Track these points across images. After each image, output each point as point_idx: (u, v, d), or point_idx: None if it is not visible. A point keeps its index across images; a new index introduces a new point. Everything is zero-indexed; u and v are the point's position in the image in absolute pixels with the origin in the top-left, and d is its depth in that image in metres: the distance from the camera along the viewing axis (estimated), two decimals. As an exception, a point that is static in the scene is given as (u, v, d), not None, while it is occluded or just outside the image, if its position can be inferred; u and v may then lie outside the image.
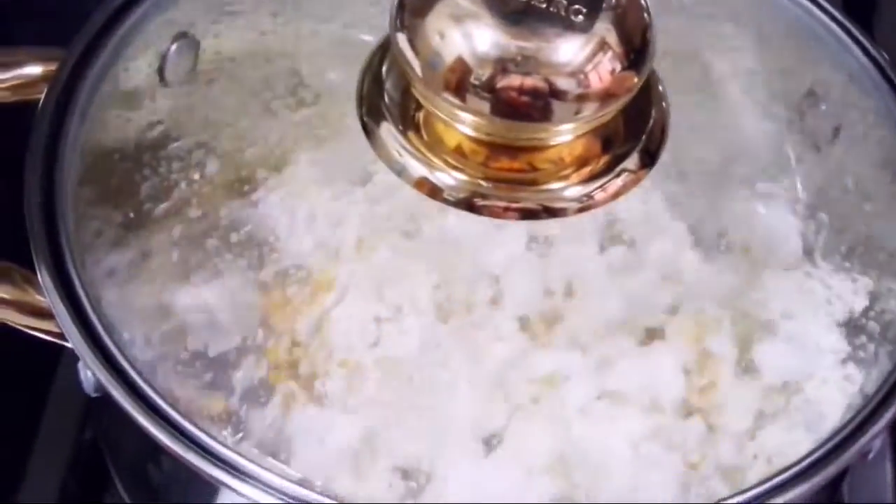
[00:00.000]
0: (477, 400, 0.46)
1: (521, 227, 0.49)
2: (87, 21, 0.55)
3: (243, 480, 0.44)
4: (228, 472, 0.44)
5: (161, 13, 0.56)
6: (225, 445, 0.45)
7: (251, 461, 0.45)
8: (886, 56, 0.57)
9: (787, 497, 0.46)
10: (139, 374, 0.46)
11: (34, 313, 0.51)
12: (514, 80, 0.46)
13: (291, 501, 0.44)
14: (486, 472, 0.46)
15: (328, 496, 0.44)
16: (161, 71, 0.54)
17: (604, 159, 0.51)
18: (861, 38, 0.58)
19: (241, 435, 0.46)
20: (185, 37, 0.55)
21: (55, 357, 0.65)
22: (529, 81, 0.46)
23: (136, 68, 0.55)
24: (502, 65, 0.46)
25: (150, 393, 0.46)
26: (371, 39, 0.53)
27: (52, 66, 0.54)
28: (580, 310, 0.48)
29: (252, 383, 0.47)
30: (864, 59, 0.57)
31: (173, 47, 0.55)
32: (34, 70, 0.55)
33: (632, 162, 0.51)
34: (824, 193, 0.53)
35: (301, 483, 0.44)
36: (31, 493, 0.62)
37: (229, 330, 0.48)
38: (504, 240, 0.49)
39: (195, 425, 0.45)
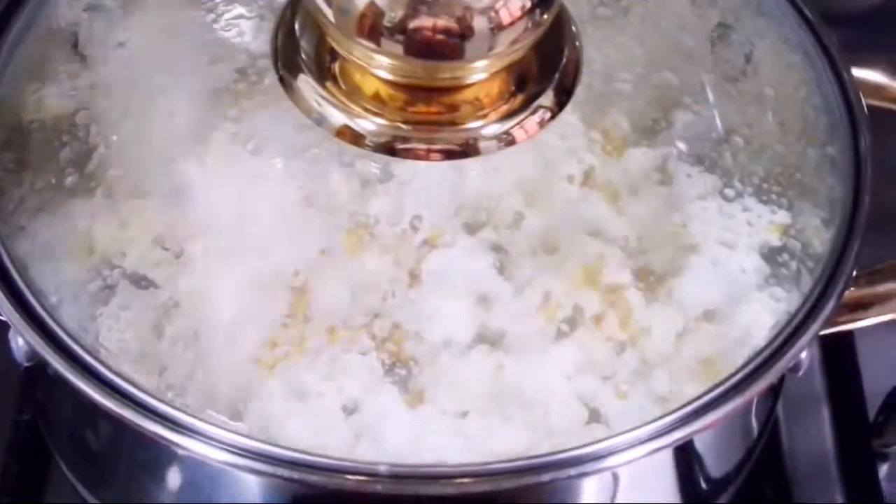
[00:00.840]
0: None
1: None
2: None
3: (183, 434, 0.44)
4: (168, 427, 0.45)
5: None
6: (162, 400, 0.45)
7: (189, 414, 0.45)
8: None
9: (723, 411, 0.47)
10: (70, 336, 0.46)
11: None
12: (427, 19, 0.47)
13: (236, 451, 0.44)
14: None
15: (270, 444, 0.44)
16: (76, 41, 0.54)
17: (520, 98, 0.51)
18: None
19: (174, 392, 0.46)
20: (97, 8, 0.55)
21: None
22: (441, 20, 0.47)
23: (50, 39, 0.55)
24: (414, 5, 0.46)
25: (83, 353, 0.46)
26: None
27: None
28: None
29: (178, 336, 0.47)
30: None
31: (85, 16, 0.55)
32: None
33: (547, 99, 0.52)
34: (739, 120, 0.54)
35: (240, 433, 0.45)
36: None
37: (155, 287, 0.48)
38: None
39: (131, 383, 0.45)
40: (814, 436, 0.68)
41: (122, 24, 0.55)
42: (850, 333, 0.69)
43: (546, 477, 0.44)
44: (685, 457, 0.55)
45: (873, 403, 0.68)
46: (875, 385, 0.69)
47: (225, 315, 0.47)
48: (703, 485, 0.57)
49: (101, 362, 0.45)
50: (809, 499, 0.67)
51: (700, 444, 0.55)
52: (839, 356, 0.69)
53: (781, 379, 0.59)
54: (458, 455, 0.45)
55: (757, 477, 0.63)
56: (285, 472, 0.44)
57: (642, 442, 0.46)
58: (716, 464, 0.58)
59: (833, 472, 0.67)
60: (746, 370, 0.48)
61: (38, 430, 0.60)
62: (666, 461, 0.53)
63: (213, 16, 0.54)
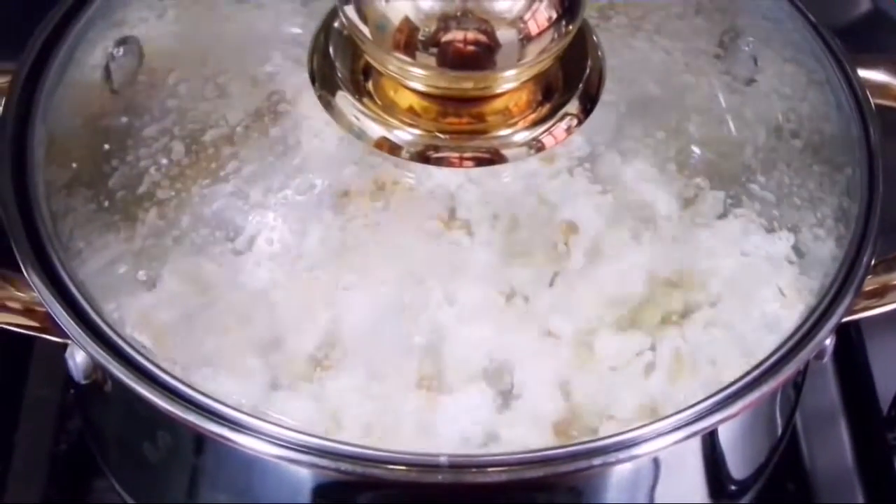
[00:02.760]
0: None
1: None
2: (33, 35, 0.57)
3: (247, 434, 0.46)
4: (231, 428, 0.46)
5: (103, 19, 0.58)
6: (227, 405, 0.47)
7: (252, 415, 0.47)
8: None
9: (756, 395, 0.49)
10: (135, 349, 0.48)
11: (14, 310, 0.53)
12: (458, 32, 0.49)
13: (298, 448, 0.46)
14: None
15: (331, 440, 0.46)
16: (108, 72, 0.57)
17: (547, 106, 0.54)
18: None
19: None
20: (127, 40, 0.58)
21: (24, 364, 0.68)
22: (472, 32, 0.49)
23: (87, 72, 0.57)
24: (446, 19, 0.49)
25: (149, 366, 0.48)
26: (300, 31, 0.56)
27: (5, 79, 0.56)
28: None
29: (245, 353, 0.49)
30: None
31: (118, 50, 0.57)
32: (-12, 85, 0.57)
33: (573, 107, 0.54)
34: (754, 119, 0.56)
35: (302, 431, 0.46)
36: (15, 494, 0.65)
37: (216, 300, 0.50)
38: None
39: (198, 392, 0.47)
40: (831, 436, 0.71)
41: (158, 54, 0.57)
42: (859, 330, 0.72)
43: (598, 461, 0.46)
44: (714, 453, 0.56)
45: (885, 398, 0.70)
46: (886, 380, 0.71)
47: (284, 321, 0.49)
48: (730, 485, 0.59)
49: (166, 371, 0.47)
50: (829, 498, 0.69)
51: (727, 443, 0.57)
52: (849, 352, 0.71)
53: (804, 374, 0.62)
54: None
55: (778, 478, 0.65)
56: (348, 467, 0.45)
57: (687, 424, 0.48)
58: (742, 462, 0.60)
59: (851, 469, 0.70)
60: (777, 356, 0.50)
61: (83, 444, 0.62)
62: (696, 457, 0.55)
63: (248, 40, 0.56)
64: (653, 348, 0.50)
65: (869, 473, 0.70)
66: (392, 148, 0.52)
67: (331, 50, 0.55)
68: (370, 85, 0.54)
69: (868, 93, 0.58)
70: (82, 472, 0.66)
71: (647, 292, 0.51)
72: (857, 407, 0.72)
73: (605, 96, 0.54)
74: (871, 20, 0.85)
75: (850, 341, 0.71)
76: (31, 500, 0.65)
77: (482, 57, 0.49)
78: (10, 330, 0.53)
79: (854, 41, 0.62)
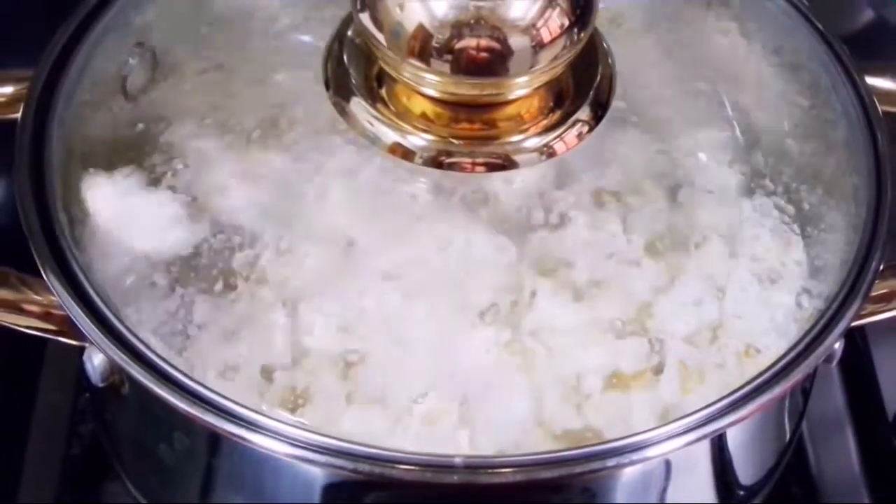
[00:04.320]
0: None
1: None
2: (50, 42, 0.58)
3: (267, 435, 0.47)
4: (251, 429, 0.47)
5: (119, 26, 0.59)
6: (244, 406, 0.47)
7: (273, 418, 0.47)
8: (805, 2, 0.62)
9: (769, 396, 0.49)
10: (153, 351, 0.48)
11: (33, 314, 0.53)
12: (472, 39, 0.49)
13: (317, 449, 0.46)
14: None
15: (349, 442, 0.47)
16: (124, 79, 0.57)
17: (558, 113, 0.54)
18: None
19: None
20: (143, 47, 0.58)
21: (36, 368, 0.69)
22: (486, 39, 0.49)
23: (104, 79, 0.58)
24: (460, 26, 0.49)
25: (167, 368, 0.48)
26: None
27: (23, 86, 0.57)
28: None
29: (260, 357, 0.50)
30: (785, 4, 0.62)
31: (134, 57, 0.58)
32: (6, 90, 0.57)
33: (584, 113, 0.55)
34: (763, 127, 0.57)
35: (322, 433, 0.47)
36: (28, 497, 0.66)
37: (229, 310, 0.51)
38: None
39: (216, 393, 0.47)
40: (837, 441, 0.72)
41: (173, 64, 0.58)
42: (865, 336, 0.72)
43: (611, 462, 0.47)
44: (723, 458, 0.57)
45: (891, 403, 0.71)
46: (892, 385, 0.72)
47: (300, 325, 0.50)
48: (738, 488, 0.60)
49: (184, 373, 0.48)
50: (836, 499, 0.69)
51: (737, 446, 0.57)
52: (855, 358, 0.72)
53: (812, 379, 0.62)
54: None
55: (785, 482, 0.66)
56: (363, 467, 0.46)
57: (697, 427, 0.48)
58: (750, 466, 0.60)
59: (857, 474, 0.71)
60: (786, 359, 0.50)
61: (97, 445, 0.63)
62: (705, 462, 0.56)
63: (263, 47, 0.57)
64: (662, 354, 0.51)
65: (874, 478, 0.70)
66: (405, 153, 0.53)
67: (345, 57, 0.55)
68: (384, 91, 0.54)
69: (875, 100, 0.59)
70: (94, 475, 0.66)
71: (656, 298, 0.51)
72: (863, 412, 0.72)
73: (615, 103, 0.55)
74: (873, 29, 0.86)
75: (857, 347, 0.72)
76: (44, 502, 0.66)
77: (495, 64, 0.50)
78: (25, 333, 0.53)
79: (857, 50, 0.62)
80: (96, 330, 0.49)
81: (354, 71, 0.55)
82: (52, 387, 0.69)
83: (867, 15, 0.87)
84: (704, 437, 0.49)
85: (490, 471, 0.46)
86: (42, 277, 0.50)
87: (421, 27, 0.49)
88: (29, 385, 0.69)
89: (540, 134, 0.54)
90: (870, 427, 0.72)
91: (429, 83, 0.51)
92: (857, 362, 0.72)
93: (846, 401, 0.73)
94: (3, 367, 0.66)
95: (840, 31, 0.64)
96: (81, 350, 0.52)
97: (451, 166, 0.52)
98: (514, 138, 0.53)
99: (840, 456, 0.71)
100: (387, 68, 0.52)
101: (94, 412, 0.65)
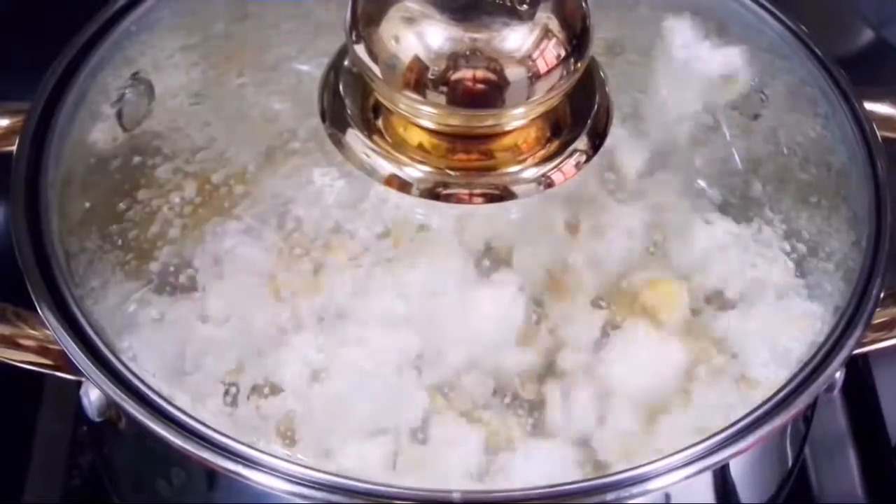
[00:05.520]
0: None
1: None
2: (45, 74, 0.58)
3: (261, 471, 0.46)
4: (245, 465, 0.46)
5: (115, 58, 0.59)
6: (241, 442, 0.47)
7: (266, 452, 0.47)
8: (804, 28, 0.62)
9: (770, 427, 0.49)
10: (149, 387, 0.48)
11: (29, 349, 0.53)
12: (468, 71, 0.49)
13: (313, 485, 0.46)
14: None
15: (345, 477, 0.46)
16: (120, 111, 0.57)
17: (556, 143, 0.54)
18: (777, 12, 0.62)
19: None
20: (138, 79, 0.58)
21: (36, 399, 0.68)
22: (482, 71, 0.49)
23: (99, 111, 0.58)
24: (455, 58, 0.49)
25: (164, 405, 0.48)
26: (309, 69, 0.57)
27: (20, 118, 0.57)
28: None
29: (250, 390, 0.49)
30: (782, 30, 0.62)
31: (130, 89, 0.58)
32: (2, 122, 0.57)
33: (582, 143, 0.54)
34: (761, 154, 0.57)
35: (318, 469, 0.47)
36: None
37: (226, 342, 0.50)
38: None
39: (212, 429, 0.47)
40: (839, 467, 0.71)
41: (169, 93, 0.58)
42: (867, 362, 0.72)
43: (611, 496, 0.46)
44: (725, 486, 0.56)
45: (894, 429, 0.71)
46: (894, 411, 0.71)
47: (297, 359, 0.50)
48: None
49: (181, 410, 0.47)
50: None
51: (738, 475, 0.57)
52: (857, 384, 0.72)
53: (814, 406, 0.62)
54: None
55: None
56: (361, 503, 0.46)
57: (698, 459, 0.48)
58: (752, 495, 0.59)
59: (860, 499, 0.70)
60: (787, 389, 0.50)
61: (96, 479, 0.63)
62: (707, 490, 0.55)
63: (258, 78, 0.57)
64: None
65: (877, 503, 0.70)
66: (402, 185, 0.52)
67: (340, 88, 0.55)
68: (380, 122, 0.54)
69: (874, 125, 0.59)
70: (94, 507, 0.66)
71: None
72: (866, 438, 0.72)
73: (613, 131, 0.55)
74: (873, 51, 0.86)
75: (858, 373, 0.72)
76: (45, 533, 0.65)
77: (491, 95, 0.50)
78: (24, 367, 0.53)
79: (856, 72, 0.62)
80: (91, 366, 0.48)
81: (350, 102, 0.55)
82: (52, 418, 0.69)
83: (867, 35, 0.87)
84: (706, 469, 0.48)
85: (488, 506, 0.46)
86: (37, 312, 0.50)
87: (416, 59, 0.49)
88: (28, 416, 0.69)
89: (537, 164, 0.53)
90: (872, 452, 0.71)
91: (425, 115, 0.51)
92: (860, 388, 0.72)
93: (848, 426, 0.72)
94: (2, 398, 0.66)
95: (839, 52, 0.64)
96: (80, 383, 0.52)
97: (448, 198, 0.52)
98: (512, 169, 0.53)
99: (843, 481, 0.71)
100: (382, 100, 0.52)
101: (92, 446, 0.64)
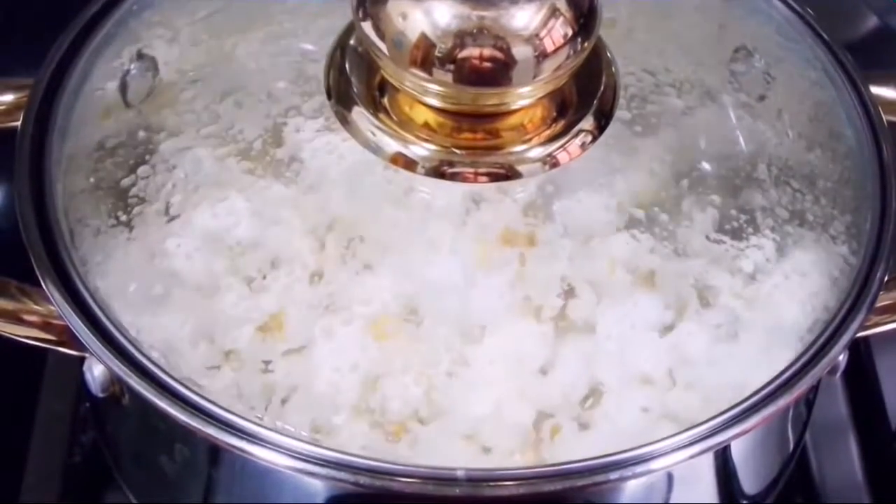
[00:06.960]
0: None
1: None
2: (50, 50, 0.58)
3: (265, 446, 0.46)
4: (249, 440, 0.47)
5: (120, 34, 0.59)
6: (245, 417, 0.47)
7: (270, 428, 0.47)
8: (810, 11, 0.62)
9: (773, 409, 0.49)
10: (153, 362, 0.48)
11: (33, 324, 0.53)
12: (475, 49, 0.49)
13: (315, 461, 0.46)
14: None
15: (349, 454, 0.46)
16: (124, 87, 0.57)
17: (561, 123, 0.54)
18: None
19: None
20: (143, 55, 0.58)
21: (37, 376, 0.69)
22: (489, 49, 0.49)
23: (103, 87, 0.57)
24: (462, 36, 0.49)
25: (168, 380, 0.48)
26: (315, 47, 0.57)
27: (24, 94, 0.57)
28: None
29: (257, 359, 0.49)
30: (789, 13, 0.62)
31: (134, 65, 0.58)
32: (6, 98, 0.57)
33: (587, 123, 0.54)
34: (767, 136, 0.57)
35: (320, 445, 0.47)
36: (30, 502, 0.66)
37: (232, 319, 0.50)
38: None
39: (216, 405, 0.47)
40: (840, 451, 0.72)
41: (173, 69, 0.57)
42: (868, 346, 0.72)
43: (614, 475, 0.46)
44: (727, 468, 0.57)
45: (894, 413, 0.71)
46: (895, 395, 0.71)
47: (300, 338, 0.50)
48: (741, 499, 0.60)
49: (185, 385, 0.47)
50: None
51: (740, 457, 0.57)
52: (858, 368, 0.72)
53: (816, 390, 0.62)
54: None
55: (788, 492, 0.66)
56: (365, 480, 0.46)
57: (701, 439, 0.48)
58: (754, 477, 0.60)
59: (860, 483, 0.71)
60: (791, 371, 0.50)
61: (97, 454, 0.63)
62: (709, 473, 0.56)
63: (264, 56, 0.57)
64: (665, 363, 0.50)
65: (878, 488, 0.70)
66: (407, 163, 0.52)
67: (347, 66, 0.55)
68: (386, 101, 0.54)
69: (880, 109, 0.59)
70: (96, 484, 0.66)
71: None
72: (866, 422, 0.72)
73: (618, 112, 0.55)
74: (877, 38, 0.86)
75: (860, 357, 0.72)
76: (45, 511, 0.66)
77: (498, 73, 0.50)
78: (26, 343, 0.53)
79: (860, 57, 0.62)
80: (96, 341, 0.48)
81: (356, 80, 0.55)
82: (54, 395, 0.69)
83: (871, 21, 0.87)
84: (708, 449, 0.48)
85: (492, 483, 0.46)
86: (42, 287, 0.50)
87: (423, 37, 0.49)
88: (30, 393, 0.69)
89: (543, 144, 0.53)
90: (873, 436, 0.72)
91: (431, 93, 0.51)
92: (861, 372, 0.72)
93: (849, 410, 0.73)
94: (4, 375, 0.66)
95: (844, 38, 0.64)
96: (82, 359, 0.52)
97: (453, 176, 0.52)
98: (517, 148, 0.53)
99: (843, 465, 0.71)
100: (389, 78, 0.52)
101: (94, 422, 0.64)
